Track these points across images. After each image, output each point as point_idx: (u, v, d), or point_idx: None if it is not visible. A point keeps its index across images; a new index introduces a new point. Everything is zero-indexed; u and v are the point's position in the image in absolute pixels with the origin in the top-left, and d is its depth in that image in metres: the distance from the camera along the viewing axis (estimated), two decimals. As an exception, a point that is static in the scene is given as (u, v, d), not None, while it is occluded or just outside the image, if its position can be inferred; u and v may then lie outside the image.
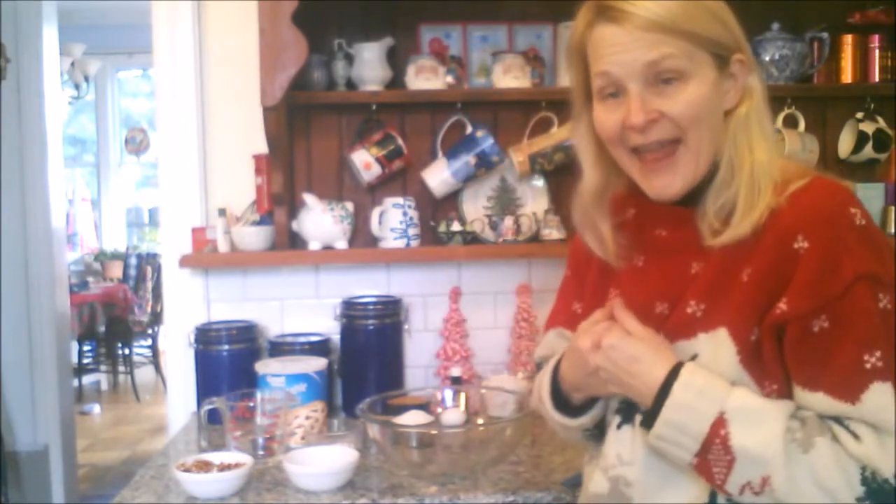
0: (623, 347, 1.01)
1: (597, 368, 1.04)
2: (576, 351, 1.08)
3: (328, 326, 2.14)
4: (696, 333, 1.01)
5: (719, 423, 0.95)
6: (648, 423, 1.00)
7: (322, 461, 1.61)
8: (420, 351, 2.19)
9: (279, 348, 2.06)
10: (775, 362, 0.98)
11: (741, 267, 1.00)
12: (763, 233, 0.99)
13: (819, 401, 0.95)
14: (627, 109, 1.01)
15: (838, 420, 0.95)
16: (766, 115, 1.06)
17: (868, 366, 0.92)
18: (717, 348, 0.99)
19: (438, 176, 2.11)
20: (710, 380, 0.97)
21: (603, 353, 1.03)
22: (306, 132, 2.18)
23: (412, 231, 2.09)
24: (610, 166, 1.12)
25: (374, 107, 2.12)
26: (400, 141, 2.10)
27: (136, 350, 6.25)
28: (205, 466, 1.58)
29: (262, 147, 2.02)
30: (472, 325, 2.19)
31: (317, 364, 1.90)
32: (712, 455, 0.95)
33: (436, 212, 2.19)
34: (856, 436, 0.93)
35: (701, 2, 1.01)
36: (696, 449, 0.96)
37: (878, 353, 0.92)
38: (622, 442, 1.09)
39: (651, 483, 1.05)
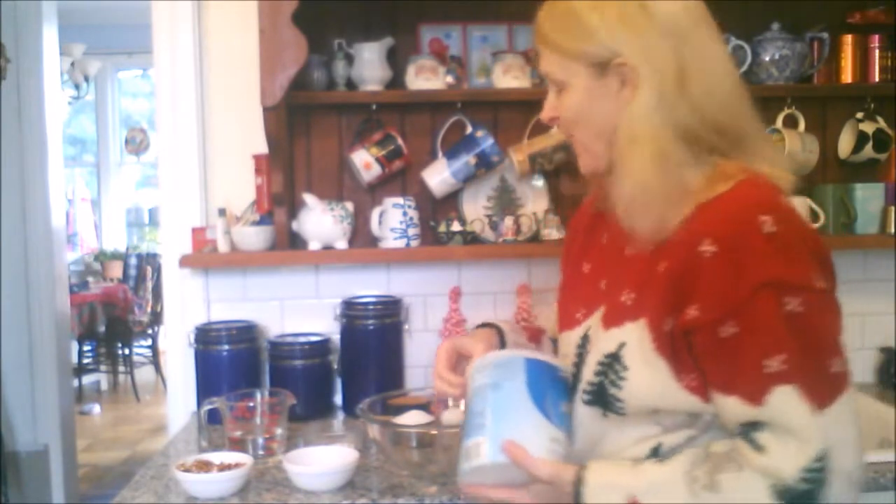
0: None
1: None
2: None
3: (328, 326, 2.14)
4: (625, 322, 1.06)
5: None
6: None
7: (322, 461, 1.61)
8: (420, 351, 2.19)
9: (279, 348, 2.06)
10: (689, 359, 1.01)
11: (659, 259, 1.04)
12: (680, 230, 1.02)
13: (732, 404, 0.98)
14: None
15: (746, 432, 0.98)
16: (654, 110, 1.03)
17: (770, 370, 0.94)
18: (640, 337, 1.04)
19: (438, 176, 2.11)
20: (614, 471, 1.03)
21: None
22: (306, 132, 2.18)
23: (412, 231, 2.09)
24: None
25: (374, 107, 2.12)
26: (400, 141, 2.10)
27: (136, 350, 6.26)
28: (205, 466, 1.58)
29: (262, 147, 2.02)
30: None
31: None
32: None
33: (436, 212, 2.19)
34: (759, 447, 0.96)
35: (578, 14, 1.06)
36: None
37: (781, 357, 0.94)
38: None
39: (585, 447, 1.11)
